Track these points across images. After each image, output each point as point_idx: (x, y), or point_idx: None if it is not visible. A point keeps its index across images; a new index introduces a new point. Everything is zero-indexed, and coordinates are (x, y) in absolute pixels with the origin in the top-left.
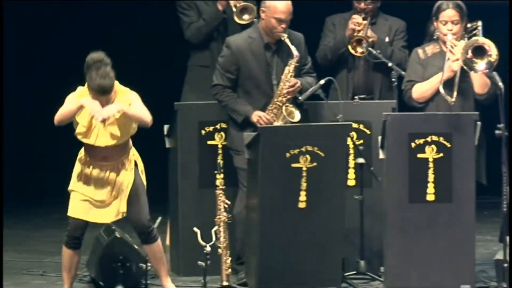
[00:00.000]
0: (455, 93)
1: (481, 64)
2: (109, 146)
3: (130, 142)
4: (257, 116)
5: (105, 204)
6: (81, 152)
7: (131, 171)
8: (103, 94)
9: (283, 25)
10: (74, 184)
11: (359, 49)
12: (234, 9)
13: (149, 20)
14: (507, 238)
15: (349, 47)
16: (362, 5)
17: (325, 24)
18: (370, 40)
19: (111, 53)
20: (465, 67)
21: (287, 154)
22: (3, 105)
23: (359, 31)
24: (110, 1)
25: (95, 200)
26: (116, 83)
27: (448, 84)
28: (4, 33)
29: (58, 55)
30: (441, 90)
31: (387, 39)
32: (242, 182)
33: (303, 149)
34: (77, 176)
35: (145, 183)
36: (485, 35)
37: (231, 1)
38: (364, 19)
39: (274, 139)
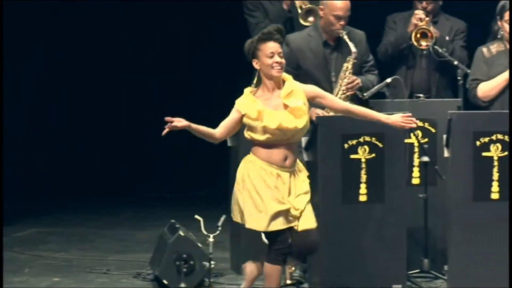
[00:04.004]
0: None
1: None
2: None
3: None
4: (315, 113)
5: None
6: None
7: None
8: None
9: (342, 22)
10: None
11: (423, 42)
12: (299, 11)
13: (224, 21)
14: None
15: (413, 39)
16: (424, 4)
17: (386, 22)
18: (433, 35)
19: (193, 54)
20: None
21: (345, 145)
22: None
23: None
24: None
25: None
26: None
27: None
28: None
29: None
30: None
31: (447, 38)
32: None
33: (361, 139)
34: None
35: None
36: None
37: (296, 2)
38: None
39: (331, 129)
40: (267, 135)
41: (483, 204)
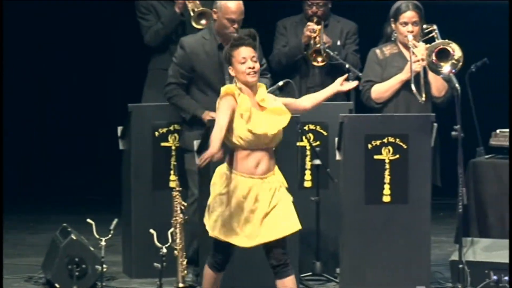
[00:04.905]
0: (423, 94)
1: (446, 67)
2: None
3: None
4: (209, 116)
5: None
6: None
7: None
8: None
9: (235, 25)
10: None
11: (320, 59)
12: (192, 13)
13: (109, 20)
14: (469, 239)
15: (310, 58)
16: (314, 9)
17: (276, 28)
18: (326, 45)
19: (70, 53)
20: (430, 71)
21: None
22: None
23: (315, 37)
24: (72, 0)
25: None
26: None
27: (415, 84)
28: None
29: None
30: (413, 89)
31: (339, 43)
32: (191, 184)
33: None
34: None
35: None
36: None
37: (188, 4)
38: (317, 23)
39: None
40: (247, 139)
41: (375, 206)
